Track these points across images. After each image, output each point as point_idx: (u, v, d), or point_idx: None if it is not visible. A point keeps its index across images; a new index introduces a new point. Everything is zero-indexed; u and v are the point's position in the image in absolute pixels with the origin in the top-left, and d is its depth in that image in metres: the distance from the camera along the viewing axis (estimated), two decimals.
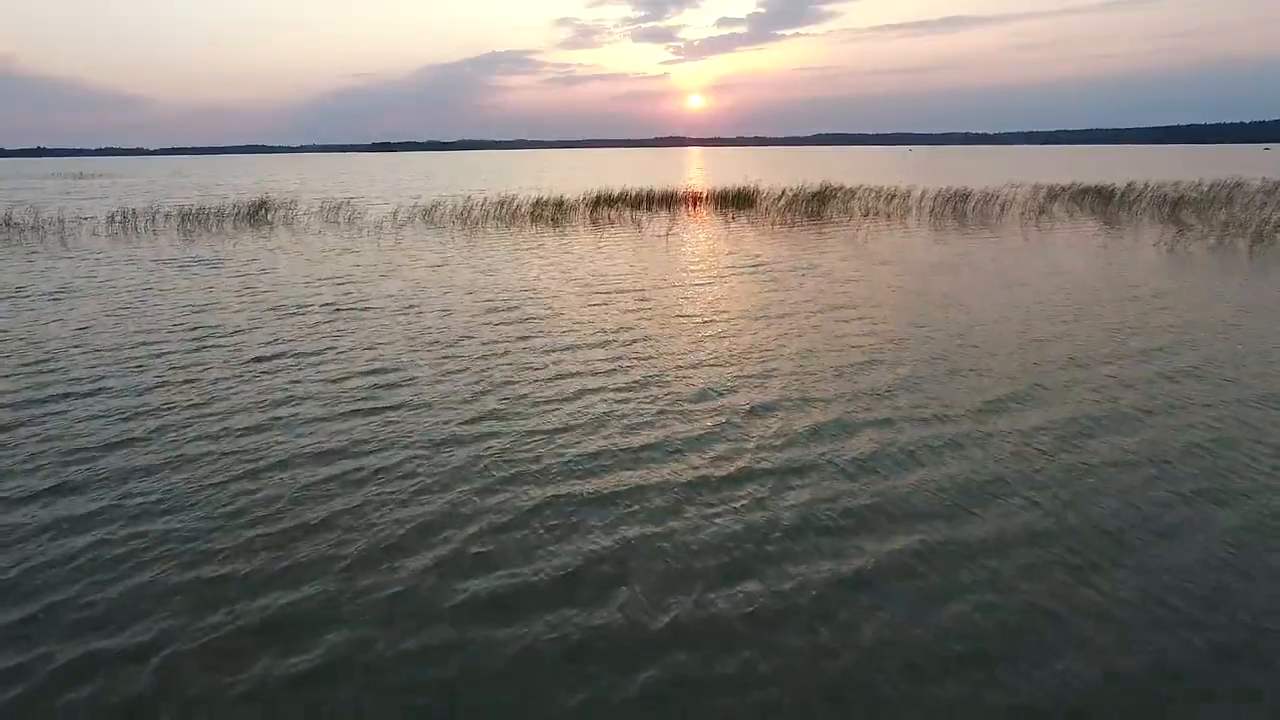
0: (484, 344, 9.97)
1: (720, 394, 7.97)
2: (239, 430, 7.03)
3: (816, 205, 29.72)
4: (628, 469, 6.18)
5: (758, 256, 17.30)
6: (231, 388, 8.22)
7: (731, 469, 6.15)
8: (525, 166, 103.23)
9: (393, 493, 5.76)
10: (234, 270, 15.89)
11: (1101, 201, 29.82)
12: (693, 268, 15.69)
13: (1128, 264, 16.01)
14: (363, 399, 7.85)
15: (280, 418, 7.33)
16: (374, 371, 8.77)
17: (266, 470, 6.16)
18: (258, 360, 9.15)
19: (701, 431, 6.95)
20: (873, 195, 32.37)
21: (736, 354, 9.46)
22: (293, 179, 67.75)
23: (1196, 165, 71.87)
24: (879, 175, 57.18)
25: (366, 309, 11.92)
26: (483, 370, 8.82)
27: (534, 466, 6.21)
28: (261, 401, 7.77)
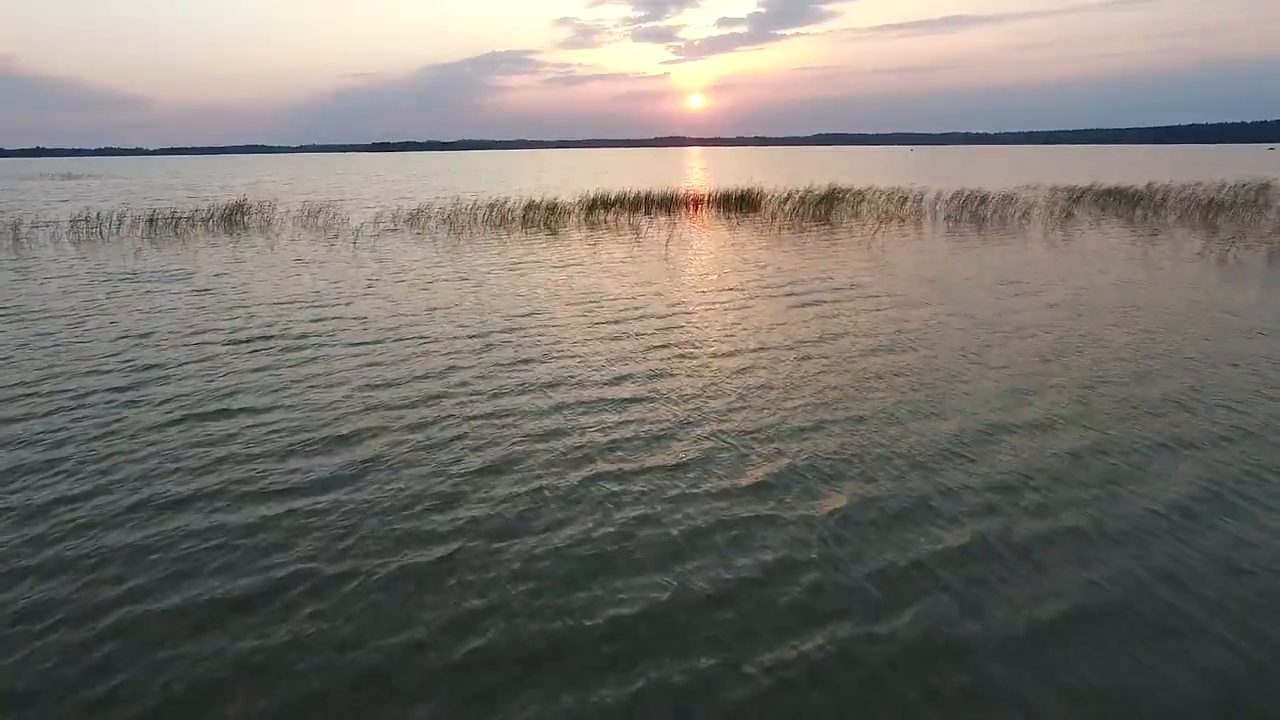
0: (465, 393, 7.94)
1: (783, 470, 6.17)
2: (155, 506, 5.46)
3: (824, 209, 28.11)
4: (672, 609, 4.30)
5: (770, 267, 15.69)
6: (154, 447, 6.60)
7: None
8: (524, 167, 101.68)
9: (331, 629, 4.17)
10: (191, 286, 14.25)
11: (1127, 205, 28.19)
12: (702, 283, 14.03)
13: (1185, 277, 14.38)
14: (291, 480, 6.09)
15: (205, 489, 5.75)
16: (319, 444, 6.60)
17: (181, 562, 4.57)
18: (191, 415, 7.46)
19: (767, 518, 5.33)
20: (883, 198, 30.77)
21: (782, 406, 7.54)
22: (285, 180, 66.20)
23: (1205, 166, 70.29)
24: (884, 176, 55.60)
25: (329, 341, 10.17)
26: (458, 434, 6.83)
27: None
28: (186, 468, 6.17)
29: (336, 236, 22.12)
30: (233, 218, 26.79)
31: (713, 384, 8.25)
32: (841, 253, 17.82)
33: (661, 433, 6.86)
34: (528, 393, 7.97)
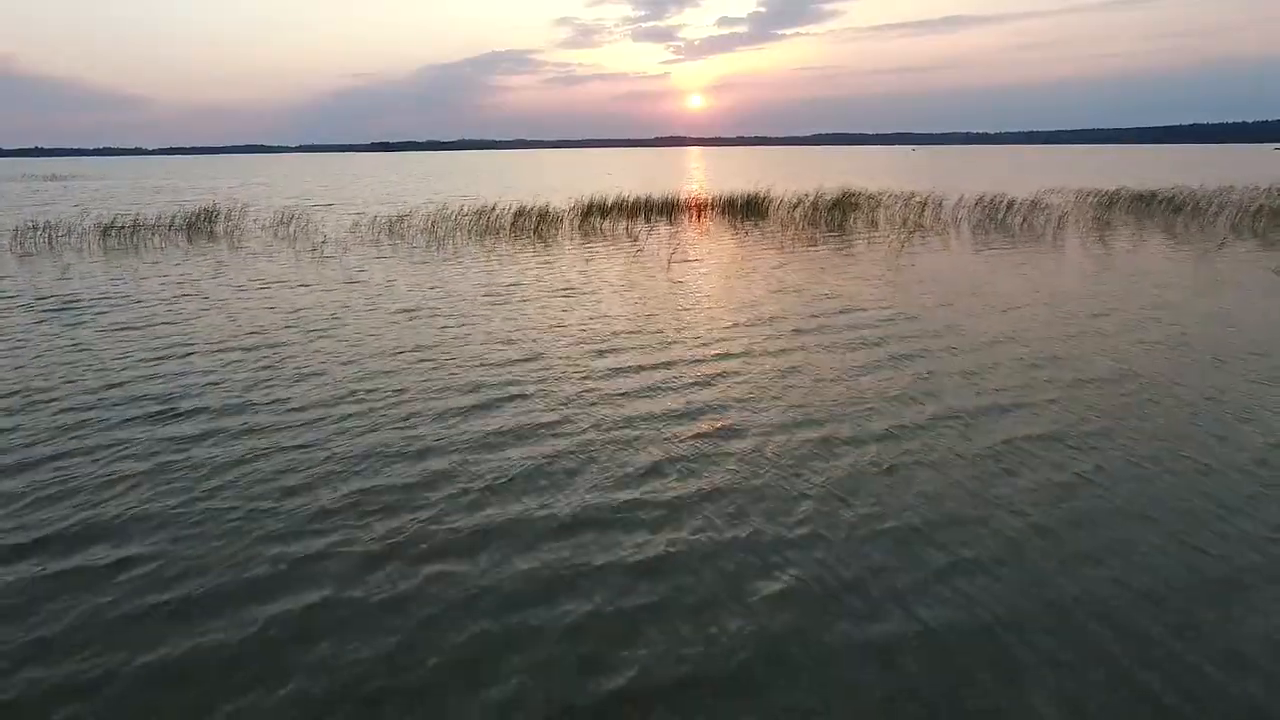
0: (432, 498, 5.67)
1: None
2: None
3: (838, 216, 26.03)
4: None
5: (796, 291, 13.60)
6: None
7: None
8: (523, 167, 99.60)
9: None
10: (122, 316, 12.01)
11: (1168, 212, 26.08)
12: (719, 313, 11.78)
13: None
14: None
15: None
16: (222, 570, 4.74)
17: None
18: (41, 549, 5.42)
19: None
20: (899, 203, 28.73)
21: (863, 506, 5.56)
22: (277, 181, 64.12)
23: (1216, 166, 68.22)
24: (890, 177, 53.55)
25: (265, 403, 8.02)
26: (419, 556, 4.88)
27: None
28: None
29: (305, 249, 20.05)
30: (199, 225, 24.75)
31: (780, 483, 6.00)
32: (870, 270, 15.71)
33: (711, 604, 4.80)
34: (513, 502, 5.87)
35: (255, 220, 26.79)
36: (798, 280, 14.53)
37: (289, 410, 7.61)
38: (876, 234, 21.79)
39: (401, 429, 7.10)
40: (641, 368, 9.00)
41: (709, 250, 18.97)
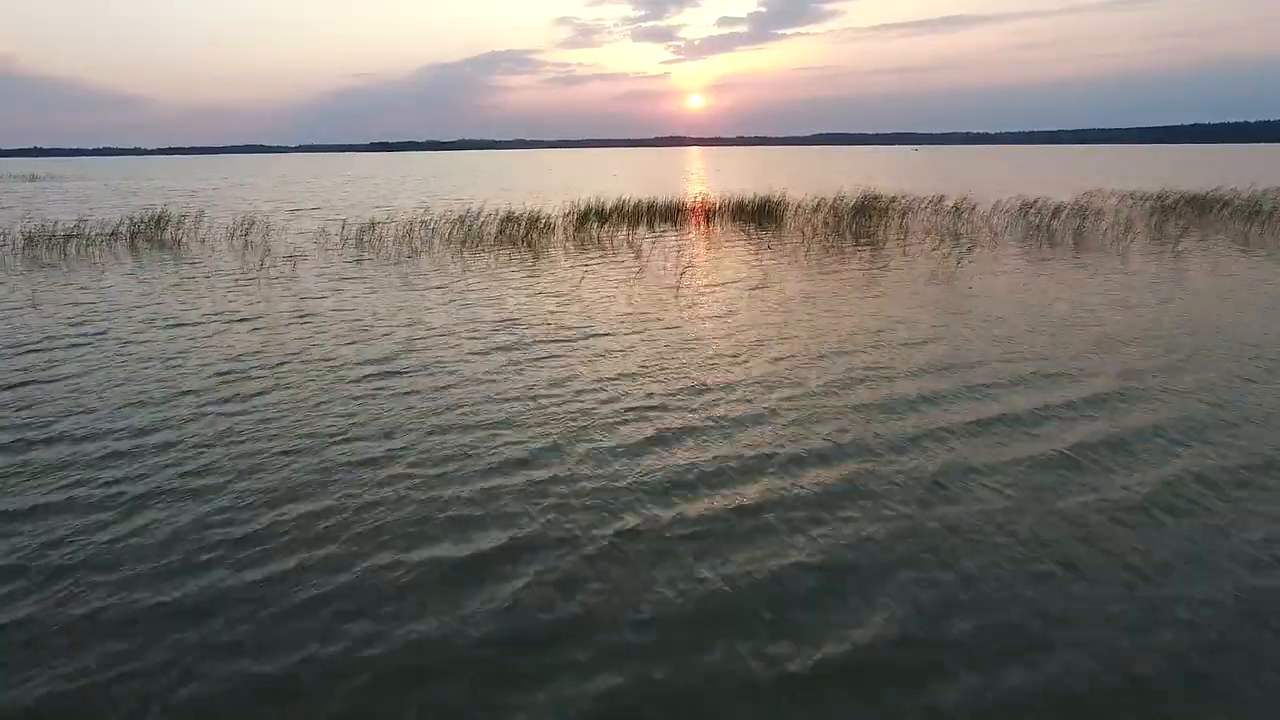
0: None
1: None
2: None
3: (863, 223, 23.29)
4: None
5: (846, 325, 10.92)
6: None
7: None
8: (522, 167, 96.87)
9: None
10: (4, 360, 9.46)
11: (1235, 219, 23.29)
12: (752, 360, 9.05)
13: None
14: None
15: None
16: None
17: None
18: None
19: None
20: (928, 208, 26.01)
21: None
22: (262, 183, 61.44)
23: (1232, 166, 65.46)
24: (902, 179, 50.82)
25: (133, 514, 5.46)
26: None
27: None
28: None
29: (254, 264, 17.32)
30: (148, 233, 22.03)
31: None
32: (933, 295, 12.92)
33: None
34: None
35: (212, 228, 24.04)
36: (847, 311, 11.73)
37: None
38: (912, 245, 19.04)
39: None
40: (665, 464, 6.28)
41: (724, 267, 16.22)
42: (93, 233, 21.63)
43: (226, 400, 7.77)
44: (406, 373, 8.70)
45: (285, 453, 6.41)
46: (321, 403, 7.68)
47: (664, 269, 15.82)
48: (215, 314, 11.90)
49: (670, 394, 7.85)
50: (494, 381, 8.35)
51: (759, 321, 11.07)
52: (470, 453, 6.39)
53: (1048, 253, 17.59)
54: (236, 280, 14.97)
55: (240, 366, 8.97)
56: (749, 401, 7.59)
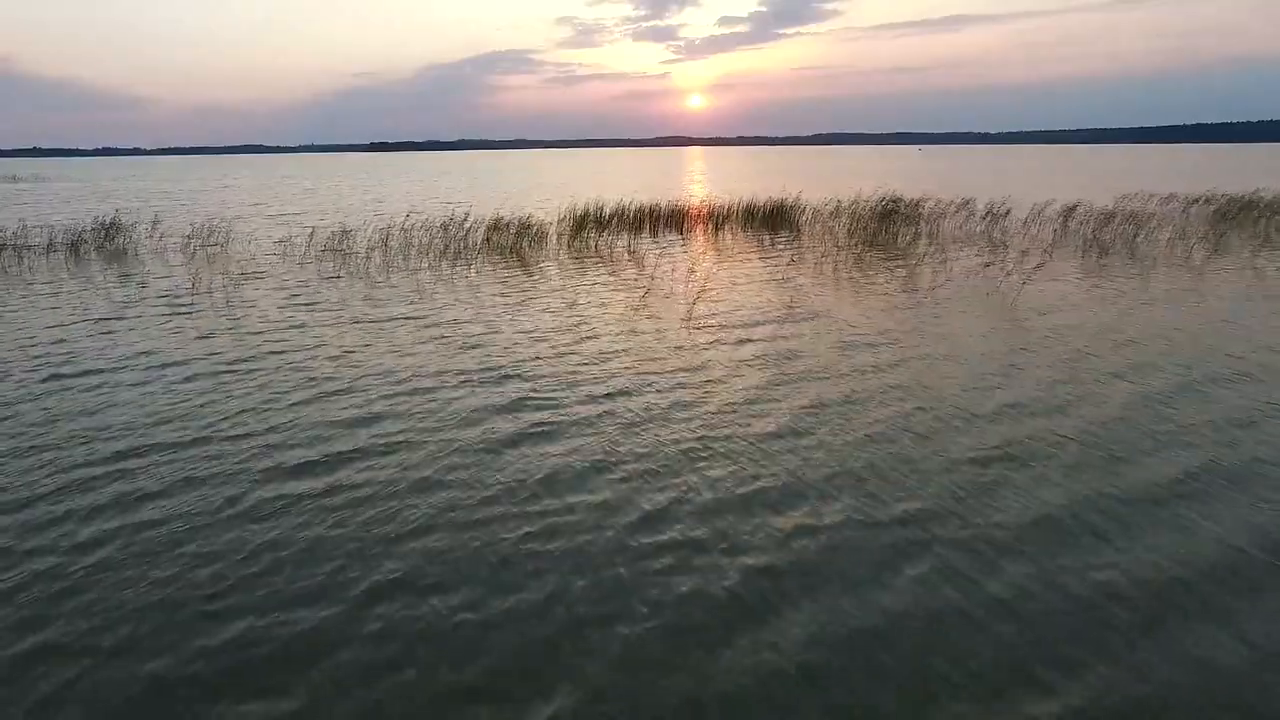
0: None
1: None
2: None
3: (891, 230, 21.00)
4: None
5: (908, 376, 8.68)
6: None
7: None
8: (521, 167, 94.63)
9: None
10: None
11: None
12: (801, 431, 6.95)
13: None
14: None
15: None
16: None
17: None
18: None
19: None
20: (960, 213, 23.75)
21: None
22: (248, 184, 59.24)
23: (1244, 167, 63.21)
24: (912, 180, 48.56)
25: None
26: None
27: None
28: None
29: (203, 281, 15.06)
30: (96, 242, 19.77)
31: None
32: (998, 321, 10.68)
33: None
34: None
35: (169, 236, 21.76)
36: (916, 356, 9.47)
37: None
38: (949, 257, 16.74)
39: None
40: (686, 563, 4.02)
41: (740, 284, 13.92)
42: (33, 241, 19.40)
43: (94, 511, 5.50)
44: (358, 463, 6.42)
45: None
46: (222, 527, 5.41)
47: (671, 290, 13.52)
48: (128, 358, 9.57)
49: (682, 473, 5.58)
50: (471, 484, 6.08)
51: (797, 361, 8.78)
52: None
53: (1116, 269, 15.28)
54: (172, 305, 12.69)
55: (138, 445, 6.66)
56: (774, 495, 5.32)
